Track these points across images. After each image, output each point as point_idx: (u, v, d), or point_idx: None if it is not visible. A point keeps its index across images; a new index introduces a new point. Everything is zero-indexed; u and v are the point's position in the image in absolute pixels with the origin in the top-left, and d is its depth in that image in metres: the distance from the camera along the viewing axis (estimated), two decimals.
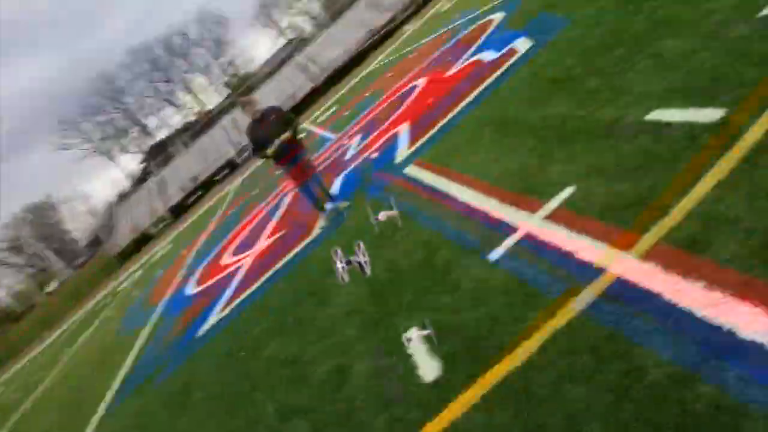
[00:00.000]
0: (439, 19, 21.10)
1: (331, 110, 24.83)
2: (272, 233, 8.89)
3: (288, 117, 6.91)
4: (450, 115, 7.09)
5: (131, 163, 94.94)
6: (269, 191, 14.08)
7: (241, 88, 74.83)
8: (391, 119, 9.77)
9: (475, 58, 8.93)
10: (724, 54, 3.72)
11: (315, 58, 52.59)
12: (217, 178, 45.82)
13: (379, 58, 31.17)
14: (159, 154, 72.88)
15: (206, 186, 46.39)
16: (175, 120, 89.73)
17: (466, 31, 12.25)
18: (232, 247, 10.65)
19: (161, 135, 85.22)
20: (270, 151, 6.65)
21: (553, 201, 3.64)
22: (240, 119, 51.05)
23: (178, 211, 45.82)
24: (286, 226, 8.65)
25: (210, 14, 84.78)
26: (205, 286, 9.40)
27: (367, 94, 17.85)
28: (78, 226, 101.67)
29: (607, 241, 2.97)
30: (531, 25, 8.28)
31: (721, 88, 3.43)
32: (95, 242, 53.73)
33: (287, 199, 10.59)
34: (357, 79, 30.60)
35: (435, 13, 26.34)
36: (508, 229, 3.70)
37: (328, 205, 7.19)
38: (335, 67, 47.08)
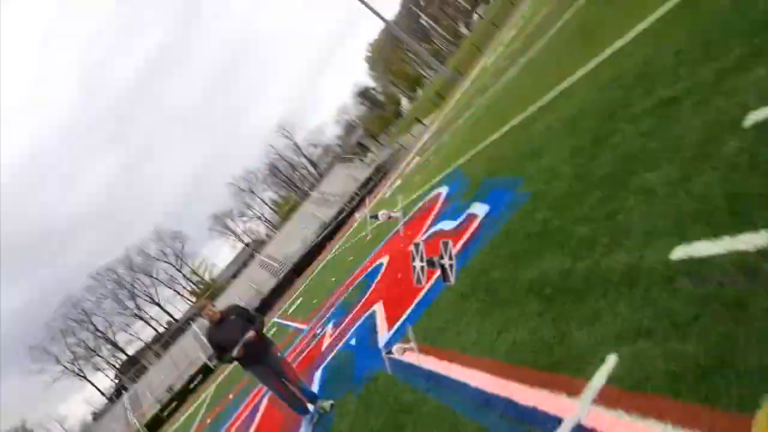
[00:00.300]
0: (386, 203, 21.31)
1: (299, 301, 23.87)
2: None
3: (250, 315, 5.98)
4: (424, 291, 6.27)
5: (104, 380, 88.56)
6: (244, 396, 12.49)
7: (206, 294, 73.88)
8: (362, 301, 8.91)
9: (434, 229, 8.41)
10: (729, 171, 3.12)
11: (274, 254, 52.77)
12: (191, 385, 42.56)
13: (336, 246, 31.19)
14: (131, 368, 68.51)
15: (182, 394, 42.87)
16: (146, 333, 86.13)
17: (417, 208, 12.02)
18: None
19: (132, 349, 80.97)
20: (235, 352, 5.61)
21: (597, 377, 2.70)
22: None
23: (155, 425, 41.61)
24: None
25: (166, 232, 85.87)
26: None
27: (332, 279, 17.15)
28: None
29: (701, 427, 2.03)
30: (482, 191, 7.89)
31: (751, 207, 2.76)
32: None
33: (264, 404, 9.16)
34: (319, 268, 30.23)
35: (380, 200, 26.92)
36: (550, 421, 2.71)
37: (311, 407, 5.99)
38: (294, 260, 47.07)
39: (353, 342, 7.30)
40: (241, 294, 50.61)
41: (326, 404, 5.87)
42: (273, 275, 48.70)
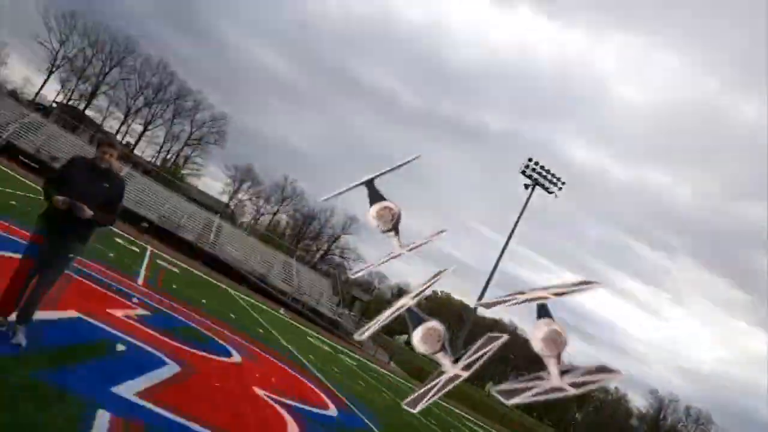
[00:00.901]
0: None
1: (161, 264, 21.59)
2: None
3: (118, 200, 4.66)
4: None
5: (51, 93, 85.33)
6: None
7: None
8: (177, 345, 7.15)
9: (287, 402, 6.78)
10: None
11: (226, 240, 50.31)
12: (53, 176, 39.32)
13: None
14: (69, 115, 65.53)
15: (47, 170, 39.65)
16: (110, 124, 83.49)
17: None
18: None
19: (90, 113, 78.10)
20: (60, 200, 4.17)
21: None
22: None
23: (4, 149, 38.32)
24: None
25: (221, 117, 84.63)
26: None
27: (203, 301, 15.22)
28: None
29: None
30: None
31: None
32: None
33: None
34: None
35: None
36: None
37: (11, 321, 4.26)
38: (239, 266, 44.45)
39: (123, 348, 5.61)
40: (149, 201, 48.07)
41: (22, 337, 4.14)
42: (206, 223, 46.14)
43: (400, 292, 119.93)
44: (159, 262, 20.64)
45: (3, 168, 25.64)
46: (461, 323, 65.70)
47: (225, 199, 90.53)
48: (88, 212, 4.23)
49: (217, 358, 8.06)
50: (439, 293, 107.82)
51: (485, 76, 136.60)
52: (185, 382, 5.78)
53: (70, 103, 77.80)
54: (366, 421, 9.52)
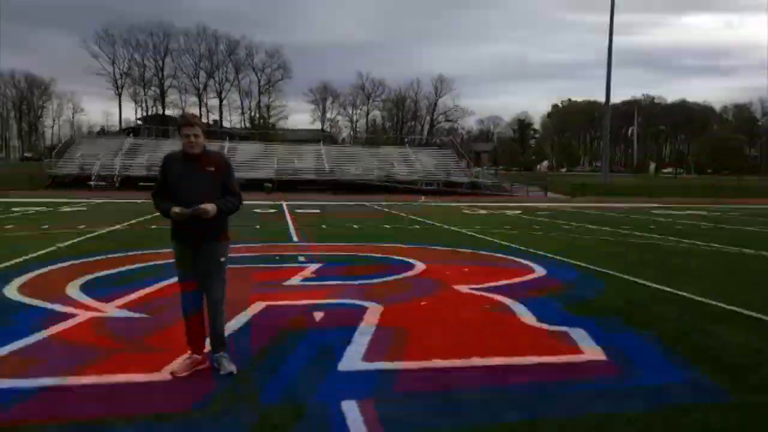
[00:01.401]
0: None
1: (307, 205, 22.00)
2: (127, 304, 5.55)
3: (233, 184, 3.97)
4: None
5: (131, 112, 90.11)
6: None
7: (259, 128, 72.47)
8: (362, 286, 6.82)
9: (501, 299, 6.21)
10: None
11: (335, 158, 50.92)
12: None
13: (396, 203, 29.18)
14: (156, 124, 68.69)
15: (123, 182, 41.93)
16: (191, 111, 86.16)
17: (489, 256, 9.73)
18: (86, 278, 7.09)
19: (170, 112, 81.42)
20: (176, 209, 3.65)
21: None
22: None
23: (122, 184, 41.03)
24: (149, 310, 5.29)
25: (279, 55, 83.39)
26: (21, 299, 5.80)
27: (355, 226, 15.18)
28: (51, 124, 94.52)
29: None
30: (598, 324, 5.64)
31: None
32: (59, 152, 47.75)
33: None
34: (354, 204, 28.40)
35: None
36: None
37: (221, 357, 3.94)
38: (349, 178, 45.23)
39: (321, 317, 5.30)
40: (257, 158, 49.12)
41: (228, 365, 3.83)
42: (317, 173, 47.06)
43: (521, 123, 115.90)
44: (298, 212, 21.04)
45: (133, 201, 27.28)
46: None
47: (318, 125, 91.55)
48: (209, 208, 3.66)
49: (404, 275, 7.68)
50: None
51: None
52: (394, 321, 5.35)
53: (150, 113, 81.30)
54: (574, 264, 8.81)
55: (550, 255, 9.75)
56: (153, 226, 13.86)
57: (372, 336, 4.78)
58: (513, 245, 11.21)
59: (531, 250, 10.35)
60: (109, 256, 8.96)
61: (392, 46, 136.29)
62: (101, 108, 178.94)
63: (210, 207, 3.67)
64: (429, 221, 17.23)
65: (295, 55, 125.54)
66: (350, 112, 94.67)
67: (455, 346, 4.54)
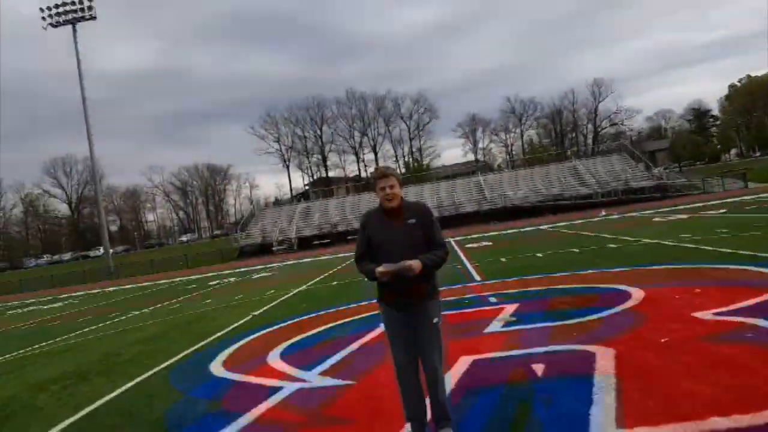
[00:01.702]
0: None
1: (485, 245, 21.07)
2: (329, 371, 5.21)
3: (437, 235, 3.38)
4: None
5: (299, 180, 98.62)
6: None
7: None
8: (579, 323, 5.79)
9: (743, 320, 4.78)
10: None
11: (494, 185, 49.73)
12: (350, 237, 43.66)
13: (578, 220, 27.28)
14: (322, 187, 73.62)
15: (339, 237, 44.40)
16: (350, 168, 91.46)
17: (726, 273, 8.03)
18: (284, 346, 7.06)
19: (332, 173, 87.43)
20: (380, 268, 3.14)
21: None
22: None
23: (300, 245, 44.04)
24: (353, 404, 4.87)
25: (424, 99, 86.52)
26: (226, 375, 5.87)
27: (538, 255, 13.98)
28: (233, 202, 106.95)
29: None
30: None
31: None
32: (242, 226, 53.61)
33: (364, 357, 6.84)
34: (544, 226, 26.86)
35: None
36: None
37: None
38: (513, 203, 43.70)
39: (543, 369, 4.43)
40: (436, 199, 49.22)
41: None
42: (477, 203, 46.17)
43: (697, 112, 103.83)
44: (469, 246, 20.32)
45: (312, 259, 28.69)
46: None
47: (471, 157, 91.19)
48: (414, 265, 3.13)
49: (623, 306, 6.49)
50: None
51: None
52: (635, 367, 4.29)
53: (316, 177, 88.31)
54: None
55: None
56: (334, 283, 14.10)
57: (615, 391, 3.80)
58: (741, 252, 9.28)
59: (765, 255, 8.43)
60: (303, 318, 9.02)
61: (535, 64, 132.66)
62: (273, 181, 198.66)
63: (415, 264, 3.15)
64: (622, 237, 15.37)
65: (439, 96, 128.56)
66: (503, 137, 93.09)
67: (731, 395, 3.40)
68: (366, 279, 3.43)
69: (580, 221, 25.72)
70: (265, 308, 11.04)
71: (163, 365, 6.89)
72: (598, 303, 6.87)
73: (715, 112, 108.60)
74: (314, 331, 7.70)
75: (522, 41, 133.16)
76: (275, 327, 8.53)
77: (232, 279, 21.61)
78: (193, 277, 27.91)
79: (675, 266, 8.92)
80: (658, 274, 8.41)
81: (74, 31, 49.98)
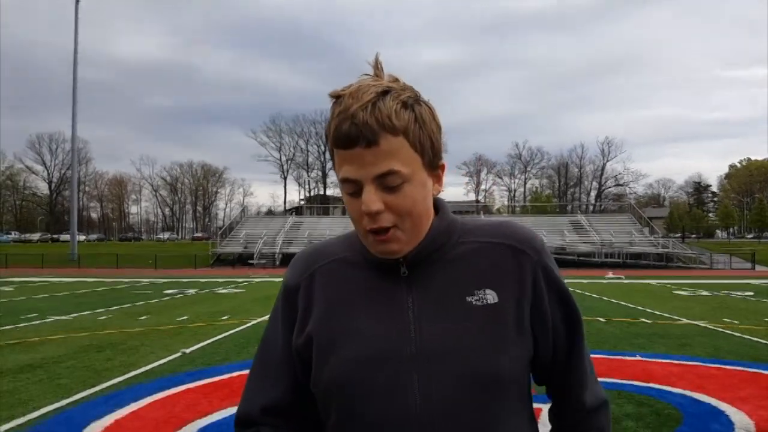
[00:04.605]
0: None
1: None
2: None
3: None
4: None
5: (295, 194, 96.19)
6: None
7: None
8: None
9: None
10: None
11: None
12: None
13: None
14: (318, 203, 71.27)
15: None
16: None
17: None
18: (194, 425, 4.60)
19: (331, 192, 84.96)
20: None
21: None
22: None
23: (282, 260, 41.41)
24: None
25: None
26: None
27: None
28: (224, 207, 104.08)
29: None
30: None
31: None
32: (226, 231, 51.00)
33: None
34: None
35: None
36: None
37: None
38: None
39: None
40: None
41: None
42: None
43: (697, 186, 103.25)
44: None
45: None
46: None
47: (472, 196, 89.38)
48: None
49: None
50: None
51: None
52: None
53: (313, 194, 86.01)
54: None
55: None
56: None
57: None
58: None
59: None
60: (240, 373, 6.50)
61: (543, 116, 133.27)
62: (269, 191, 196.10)
63: None
64: (650, 309, 12.93)
65: (448, 132, 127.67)
66: (507, 181, 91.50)
67: None
68: None
69: (586, 281, 23.35)
70: (204, 343, 8.48)
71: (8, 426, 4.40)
72: (683, 427, 4.45)
73: (714, 188, 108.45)
74: None
75: (534, 92, 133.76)
76: (198, 383, 6.00)
77: (192, 291, 18.92)
78: (155, 280, 25.21)
79: (759, 370, 6.52)
80: (746, 381, 5.99)
81: (77, 3, 47.88)
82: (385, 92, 0.80)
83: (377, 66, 0.85)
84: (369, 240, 0.85)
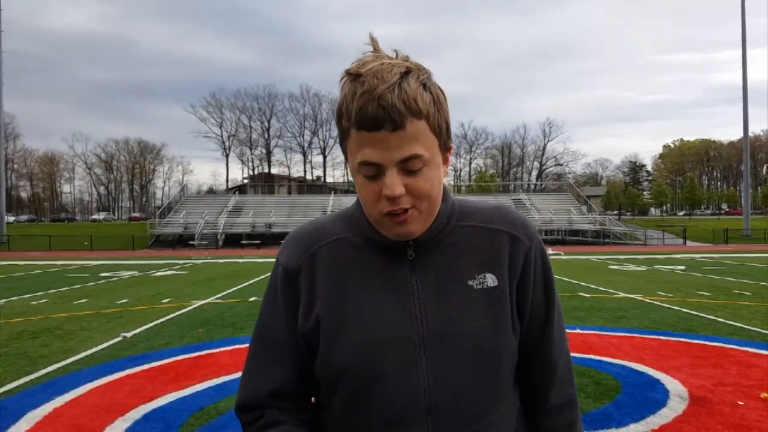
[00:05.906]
0: None
1: None
2: None
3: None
4: None
5: (238, 172, 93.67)
6: None
7: None
8: None
9: None
10: None
11: None
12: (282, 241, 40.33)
13: None
14: (262, 182, 69.96)
15: (272, 239, 41.12)
16: (296, 169, 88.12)
17: None
18: (135, 417, 4.45)
19: (276, 170, 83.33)
20: None
21: None
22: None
23: (225, 242, 40.56)
24: None
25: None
26: None
27: None
28: (162, 185, 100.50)
29: None
30: None
31: None
32: (164, 211, 49.28)
33: None
34: None
35: None
36: None
37: None
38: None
39: None
40: None
41: None
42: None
43: (633, 166, 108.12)
44: None
45: (234, 261, 25.85)
46: None
47: None
48: None
49: (667, 411, 4.30)
50: None
51: None
52: None
53: (257, 172, 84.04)
54: None
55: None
56: (252, 299, 11.37)
57: None
58: (749, 327, 7.50)
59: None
60: (191, 355, 6.34)
61: (489, 97, 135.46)
62: (210, 169, 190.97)
63: None
64: (586, 284, 13.51)
65: None
66: (453, 161, 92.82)
67: None
68: None
69: None
70: (145, 327, 8.21)
71: None
72: (622, 396, 4.67)
73: (649, 168, 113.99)
74: (196, 388, 5.07)
75: (481, 72, 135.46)
76: (141, 368, 5.81)
77: (128, 273, 18.26)
78: (91, 263, 24.18)
79: (691, 340, 6.91)
80: (680, 351, 6.33)
81: None
82: (406, 72, 0.79)
83: (375, 43, 0.86)
84: (385, 222, 0.85)
